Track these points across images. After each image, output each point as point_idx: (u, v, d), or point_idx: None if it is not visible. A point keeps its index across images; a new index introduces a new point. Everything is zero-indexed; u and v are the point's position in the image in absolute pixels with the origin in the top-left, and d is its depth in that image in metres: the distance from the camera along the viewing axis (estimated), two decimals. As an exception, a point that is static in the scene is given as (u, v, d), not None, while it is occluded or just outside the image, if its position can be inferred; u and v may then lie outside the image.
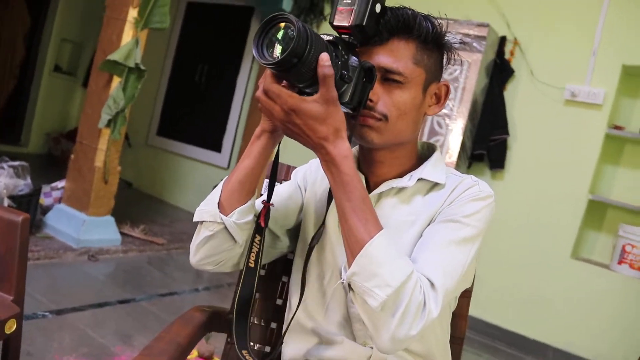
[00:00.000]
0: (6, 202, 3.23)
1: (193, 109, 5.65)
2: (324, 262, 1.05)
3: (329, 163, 0.84)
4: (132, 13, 3.43)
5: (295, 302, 1.07)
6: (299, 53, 0.75)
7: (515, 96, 3.78)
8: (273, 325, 1.25)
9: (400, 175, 1.03)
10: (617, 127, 3.50)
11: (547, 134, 3.67)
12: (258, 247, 0.95)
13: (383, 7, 0.87)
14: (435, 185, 1.02)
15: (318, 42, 0.78)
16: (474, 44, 3.50)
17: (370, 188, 1.05)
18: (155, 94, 5.90)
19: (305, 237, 1.09)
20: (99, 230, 3.63)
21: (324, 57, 0.77)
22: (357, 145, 1.11)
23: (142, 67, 3.44)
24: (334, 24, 0.88)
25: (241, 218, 0.96)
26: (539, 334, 3.54)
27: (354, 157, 1.09)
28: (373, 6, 0.85)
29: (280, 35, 0.78)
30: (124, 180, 5.25)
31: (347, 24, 0.86)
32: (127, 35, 3.45)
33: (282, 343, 1.12)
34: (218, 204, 0.96)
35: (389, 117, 0.95)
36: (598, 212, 3.62)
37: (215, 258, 1.00)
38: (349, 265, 0.83)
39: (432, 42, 0.96)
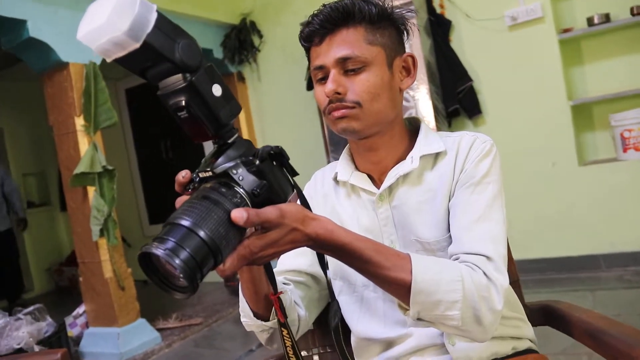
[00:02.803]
0: (36, 349, 3.18)
1: (172, 186, 5.59)
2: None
3: (321, 246, 0.77)
4: (79, 122, 3.42)
5: (351, 320, 1.08)
6: (202, 267, 0.63)
7: (462, 43, 3.80)
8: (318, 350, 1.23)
9: (399, 158, 1.03)
10: (566, 30, 3.54)
11: (506, 64, 3.69)
12: (290, 340, 0.90)
13: (224, 89, 0.70)
14: (437, 155, 1.02)
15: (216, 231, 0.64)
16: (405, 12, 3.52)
17: (376, 184, 1.05)
18: (133, 186, 5.88)
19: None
20: (136, 337, 3.57)
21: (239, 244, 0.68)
22: (347, 146, 1.11)
23: (109, 167, 3.42)
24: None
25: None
26: (581, 248, 3.54)
27: (348, 156, 1.09)
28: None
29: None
30: (139, 280, 5.19)
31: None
32: (84, 144, 3.44)
33: None
34: (255, 313, 0.96)
35: (362, 102, 0.95)
36: (584, 114, 3.64)
37: None
38: (406, 307, 0.83)
39: (379, 20, 0.97)
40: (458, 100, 3.74)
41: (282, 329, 0.90)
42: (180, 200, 0.72)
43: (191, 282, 0.61)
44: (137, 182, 5.90)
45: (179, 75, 0.66)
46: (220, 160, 0.70)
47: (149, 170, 5.85)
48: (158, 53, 0.63)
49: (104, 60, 3.00)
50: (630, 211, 3.38)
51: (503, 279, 0.87)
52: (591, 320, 0.99)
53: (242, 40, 4.65)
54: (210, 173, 0.70)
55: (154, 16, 0.61)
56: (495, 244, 0.90)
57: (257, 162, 0.70)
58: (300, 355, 0.91)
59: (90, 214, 3.40)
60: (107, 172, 3.42)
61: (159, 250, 0.60)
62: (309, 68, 3.96)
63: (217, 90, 0.68)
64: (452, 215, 0.96)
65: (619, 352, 0.87)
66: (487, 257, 0.88)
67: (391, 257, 0.81)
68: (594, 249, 3.50)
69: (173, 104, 0.67)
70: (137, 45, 0.60)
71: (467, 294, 0.82)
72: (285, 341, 0.90)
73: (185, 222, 0.62)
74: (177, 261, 0.60)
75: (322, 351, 1.22)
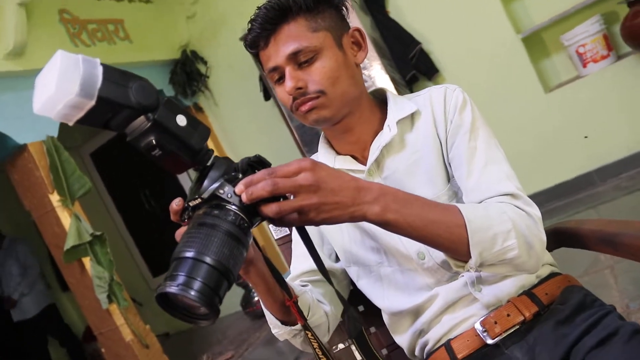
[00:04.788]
0: None
1: (165, 233, 5.58)
2: (382, 247, 1.03)
3: (382, 213, 0.75)
4: (54, 198, 3.38)
5: (377, 299, 1.08)
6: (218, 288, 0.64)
7: (401, 10, 3.81)
8: (372, 329, 1.23)
9: (376, 131, 1.04)
10: (495, -32, 3.56)
11: (447, 17, 3.71)
12: (315, 341, 0.91)
13: (188, 117, 0.70)
14: (412, 116, 1.03)
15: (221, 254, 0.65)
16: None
17: (362, 162, 1.05)
18: (125, 244, 5.83)
19: (344, 241, 1.08)
20: (174, 388, 3.54)
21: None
22: (322, 135, 1.11)
23: (97, 233, 3.39)
24: None
25: (306, 316, 0.96)
26: (572, 170, 3.58)
27: (325, 144, 1.09)
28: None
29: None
30: (159, 335, 5.15)
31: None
32: (65, 219, 3.40)
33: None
34: (282, 322, 0.96)
35: (325, 89, 0.95)
36: (536, 42, 3.67)
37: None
38: (462, 262, 0.83)
39: (316, 6, 0.96)
40: (413, 66, 3.76)
41: (307, 332, 0.90)
42: (179, 233, 0.73)
43: (211, 308, 0.63)
44: (129, 240, 5.85)
45: (142, 117, 0.66)
46: (205, 184, 0.70)
47: (136, 225, 5.80)
48: (115, 103, 0.63)
49: (60, 132, 2.97)
50: (607, 121, 3.42)
51: (536, 210, 0.89)
52: (601, 227, 1.00)
53: (188, 72, 4.63)
54: (199, 200, 0.70)
55: (100, 70, 0.62)
56: (512, 181, 0.93)
57: (240, 175, 0.71)
58: (329, 353, 0.91)
59: (93, 284, 3.36)
60: (96, 238, 3.39)
61: (172, 288, 0.62)
62: (260, 79, 3.95)
63: (181, 120, 0.68)
64: (456, 166, 0.98)
65: (634, 247, 0.89)
66: (512, 195, 0.90)
67: (440, 205, 0.82)
68: (584, 167, 3.54)
69: (144, 145, 0.67)
70: (93, 102, 0.61)
71: (515, 223, 0.83)
72: (312, 343, 0.90)
73: (190, 254, 0.64)
74: (193, 293, 0.61)
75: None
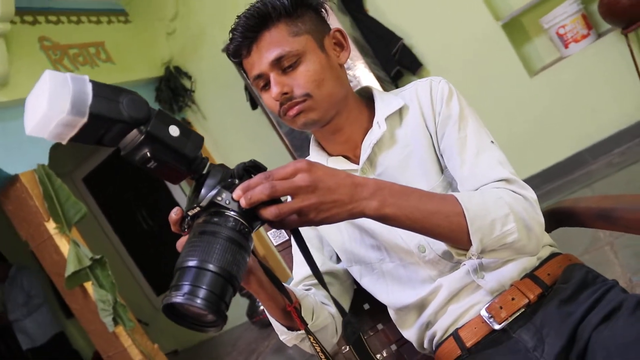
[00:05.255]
0: None
1: (164, 251, 5.57)
2: (382, 244, 1.03)
3: (380, 207, 0.75)
4: (51, 226, 3.36)
5: (382, 296, 1.08)
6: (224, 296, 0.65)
7: (379, 8, 3.82)
8: (380, 326, 1.24)
9: (366, 129, 1.05)
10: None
11: (426, 11, 3.72)
12: (317, 345, 0.91)
13: (180, 127, 0.70)
14: (400, 111, 1.04)
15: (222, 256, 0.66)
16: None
17: (354, 161, 1.06)
18: (126, 266, 5.80)
19: (343, 241, 1.08)
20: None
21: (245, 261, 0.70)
22: (312, 138, 1.11)
23: (96, 257, 3.37)
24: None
25: (311, 320, 0.97)
26: (564, 151, 3.59)
27: (316, 146, 1.10)
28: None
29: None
30: (168, 352, 5.13)
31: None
32: (63, 245, 3.38)
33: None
34: (288, 328, 0.97)
35: (311, 92, 0.96)
36: (517, 28, 3.68)
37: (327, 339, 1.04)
38: (463, 250, 0.83)
39: (295, 10, 0.97)
40: (396, 62, 3.77)
41: (309, 336, 0.90)
42: (180, 243, 0.74)
43: (218, 315, 0.64)
44: (129, 261, 5.83)
45: (135, 131, 0.67)
46: (202, 192, 0.71)
47: (135, 245, 5.78)
48: (107, 119, 0.63)
49: (51, 159, 2.94)
50: (593, 99, 3.43)
51: (531, 193, 0.90)
52: (597, 203, 1.01)
53: (173, 88, 4.63)
54: (197, 208, 0.71)
55: (89, 87, 0.62)
56: (505, 166, 0.94)
57: (237, 181, 0.72)
58: (330, 356, 0.91)
59: (97, 308, 3.35)
60: (97, 262, 3.37)
61: (178, 298, 0.62)
62: (246, 89, 3.94)
63: (174, 130, 0.68)
64: (448, 157, 0.99)
65: (630, 220, 0.89)
66: (506, 180, 0.91)
67: (436, 195, 0.82)
68: (574, 147, 3.55)
69: (139, 158, 0.68)
70: (85, 119, 0.61)
71: (512, 207, 0.84)
72: (315, 347, 0.91)
73: (193, 263, 0.64)
74: (199, 301, 0.62)
75: (371, 333, 1.23)
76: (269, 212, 0.68)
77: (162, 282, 5.69)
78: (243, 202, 0.68)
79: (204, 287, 0.63)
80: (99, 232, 5.78)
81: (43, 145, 3.44)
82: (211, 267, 0.64)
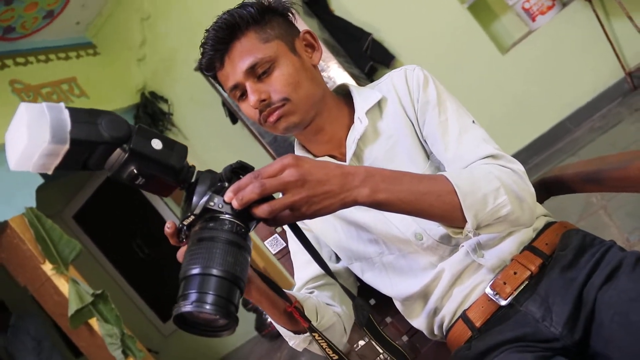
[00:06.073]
0: None
1: (164, 277, 5.54)
2: (379, 237, 1.04)
3: (372, 194, 0.75)
4: (47, 268, 3.34)
5: (386, 288, 1.09)
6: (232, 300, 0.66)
7: (345, 7, 3.84)
8: (388, 319, 1.24)
9: (348, 125, 1.05)
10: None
11: (388, 2, 3.74)
12: (324, 341, 0.91)
13: (162, 139, 0.70)
14: (379, 104, 1.04)
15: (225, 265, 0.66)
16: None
17: (340, 159, 1.06)
18: (128, 297, 5.76)
19: (340, 239, 1.09)
20: None
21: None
22: (296, 141, 1.11)
23: (97, 292, 3.35)
24: None
25: (315, 321, 0.97)
26: (545, 123, 3.62)
27: (301, 149, 1.10)
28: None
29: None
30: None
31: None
32: (63, 285, 3.36)
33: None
34: (295, 332, 0.97)
35: (288, 96, 0.96)
36: (482, 8, 3.70)
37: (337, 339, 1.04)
38: (459, 228, 0.83)
39: (262, 17, 0.97)
40: (369, 58, 3.78)
41: (313, 334, 0.90)
42: (180, 254, 0.74)
43: (229, 317, 0.64)
44: (130, 291, 5.79)
45: (118, 150, 0.67)
46: (194, 200, 0.71)
47: (135, 275, 5.74)
48: (88, 142, 0.64)
49: (38, 202, 2.91)
50: (568, 67, 3.47)
51: (519, 165, 0.91)
52: (583, 168, 1.02)
53: (151, 113, 4.61)
54: (192, 217, 0.71)
55: (66, 113, 0.62)
56: (489, 143, 0.95)
57: (226, 184, 0.72)
58: (338, 349, 0.91)
59: (105, 343, 3.32)
60: (98, 297, 3.35)
61: (187, 307, 0.62)
62: (224, 104, 3.93)
63: (157, 144, 0.69)
64: (432, 142, 1.00)
65: (616, 179, 0.91)
66: (493, 156, 0.92)
67: (427, 182, 0.81)
68: (555, 117, 3.58)
69: (127, 177, 0.68)
70: (67, 146, 0.61)
71: (502, 180, 0.85)
72: (321, 344, 0.91)
73: (196, 270, 0.65)
74: (208, 306, 0.62)
75: (381, 327, 1.23)
76: (261, 210, 0.68)
77: (167, 308, 5.64)
78: (235, 204, 0.68)
79: (210, 292, 0.63)
80: (96, 267, 5.73)
81: (29, 188, 3.42)
82: (215, 271, 0.64)
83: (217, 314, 0.63)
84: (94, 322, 3.36)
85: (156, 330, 5.80)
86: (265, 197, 0.69)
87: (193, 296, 0.63)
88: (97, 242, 5.75)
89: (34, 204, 3.39)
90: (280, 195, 0.70)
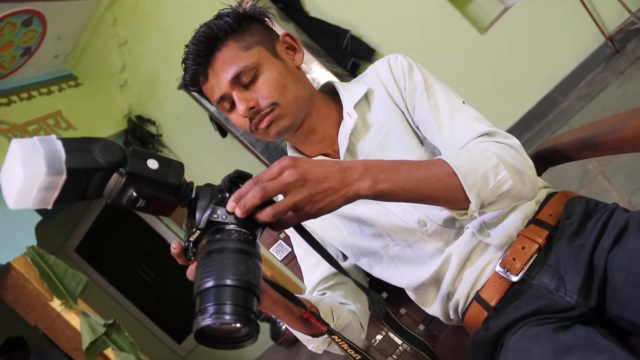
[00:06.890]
0: None
1: (174, 298, 5.53)
2: (383, 230, 1.03)
3: (373, 185, 0.75)
4: (56, 304, 3.32)
5: (397, 280, 1.08)
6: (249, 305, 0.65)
7: (320, 7, 3.84)
8: (402, 310, 1.23)
9: (338, 122, 1.05)
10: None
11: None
12: (344, 342, 0.91)
13: (158, 159, 0.70)
14: (366, 96, 1.04)
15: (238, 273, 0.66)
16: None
17: (334, 157, 1.06)
18: (141, 323, 5.74)
19: (344, 237, 1.08)
20: None
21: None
22: (288, 144, 1.11)
23: (109, 322, 3.34)
24: None
25: (332, 322, 0.96)
26: (533, 97, 3.63)
27: (294, 151, 1.10)
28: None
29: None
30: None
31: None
32: (74, 320, 3.34)
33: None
34: (313, 335, 0.97)
35: (276, 100, 0.96)
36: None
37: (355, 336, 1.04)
38: (463, 210, 0.83)
39: (240, 25, 0.97)
40: (350, 54, 3.78)
41: (333, 336, 0.90)
42: (190, 271, 0.74)
43: (250, 325, 0.63)
44: (142, 317, 5.76)
45: (115, 175, 0.67)
46: (197, 216, 0.71)
47: (144, 300, 5.72)
48: (85, 170, 0.63)
49: (38, 240, 2.90)
50: (548, 39, 3.47)
51: (514, 140, 0.91)
52: (576, 135, 1.02)
53: (140, 137, 4.59)
54: (197, 232, 0.70)
55: (59, 144, 0.62)
56: (482, 121, 0.95)
57: (227, 194, 0.72)
58: (360, 348, 0.91)
59: (123, 372, 3.31)
60: (111, 327, 3.33)
61: (206, 321, 0.62)
62: (211, 119, 3.92)
63: (153, 164, 0.69)
64: (425, 127, 1.00)
65: (612, 141, 0.91)
66: (487, 134, 0.92)
67: (424, 163, 0.81)
68: (542, 90, 3.59)
69: (127, 201, 0.68)
70: (64, 176, 0.61)
71: (500, 156, 0.85)
72: (342, 345, 0.91)
73: (209, 283, 0.64)
74: (227, 317, 0.62)
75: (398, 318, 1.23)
76: (265, 215, 0.68)
77: (181, 329, 5.62)
78: (238, 212, 0.67)
79: (227, 302, 0.62)
80: (105, 297, 5.71)
81: (28, 227, 3.40)
82: (229, 281, 0.64)
83: (238, 323, 0.62)
84: (109, 352, 3.34)
85: (172, 352, 5.77)
86: (267, 202, 0.69)
87: (211, 309, 0.62)
88: (102, 272, 5.74)
89: (34, 242, 3.37)
90: (282, 198, 0.70)
